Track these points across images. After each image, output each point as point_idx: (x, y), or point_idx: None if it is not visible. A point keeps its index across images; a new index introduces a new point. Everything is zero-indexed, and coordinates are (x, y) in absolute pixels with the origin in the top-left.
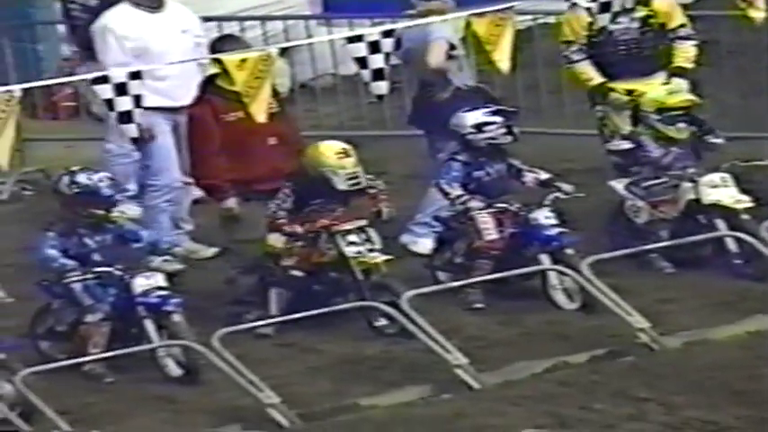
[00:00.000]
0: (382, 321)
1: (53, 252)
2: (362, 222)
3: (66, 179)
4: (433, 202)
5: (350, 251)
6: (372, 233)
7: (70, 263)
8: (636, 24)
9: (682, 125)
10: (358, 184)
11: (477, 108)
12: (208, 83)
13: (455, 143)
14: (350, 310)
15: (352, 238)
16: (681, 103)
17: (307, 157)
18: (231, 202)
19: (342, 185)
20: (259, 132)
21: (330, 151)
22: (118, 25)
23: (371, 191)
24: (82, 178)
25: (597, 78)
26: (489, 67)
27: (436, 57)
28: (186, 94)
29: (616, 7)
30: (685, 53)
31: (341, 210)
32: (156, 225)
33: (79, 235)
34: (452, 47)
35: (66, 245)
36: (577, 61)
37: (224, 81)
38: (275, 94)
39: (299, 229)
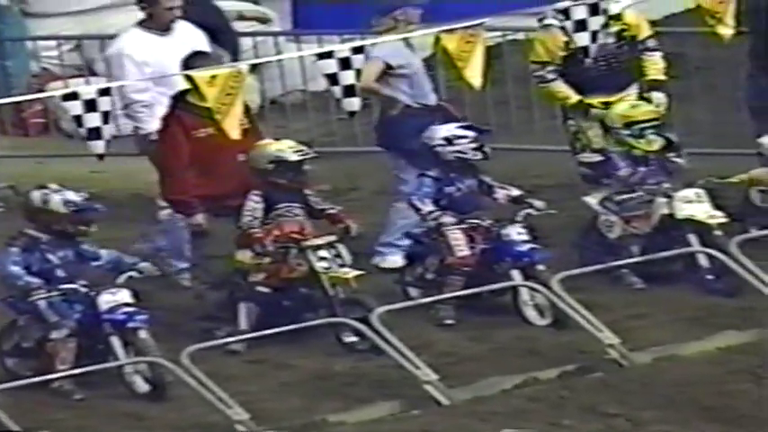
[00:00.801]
0: (352, 338)
1: (17, 269)
2: (332, 238)
3: (57, 198)
4: (396, 221)
5: (321, 266)
6: (342, 249)
7: (35, 280)
8: (611, 39)
9: (652, 137)
10: (306, 153)
11: (450, 122)
12: (178, 99)
13: (422, 159)
14: (320, 326)
15: (323, 253)
16: (646, 115)
17: (252, 159)
18: (200, 218)
19: (293, 157)
20: (229, 148)
21: (268, 141)
22: (135, 51)
23: (331, 211)
24: (72, 197)
25: (574, 96)
26: (461, 83)
27: (365, 76)
28: None
29: (593, 25)
30: (655, 65)
31: (304, 214)
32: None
33: (42, 251)
34: (390, 66)
35: (28, 260)
36: (552, 80)
37: (194, 97)
38: (246, 110)
39: (269, 245)
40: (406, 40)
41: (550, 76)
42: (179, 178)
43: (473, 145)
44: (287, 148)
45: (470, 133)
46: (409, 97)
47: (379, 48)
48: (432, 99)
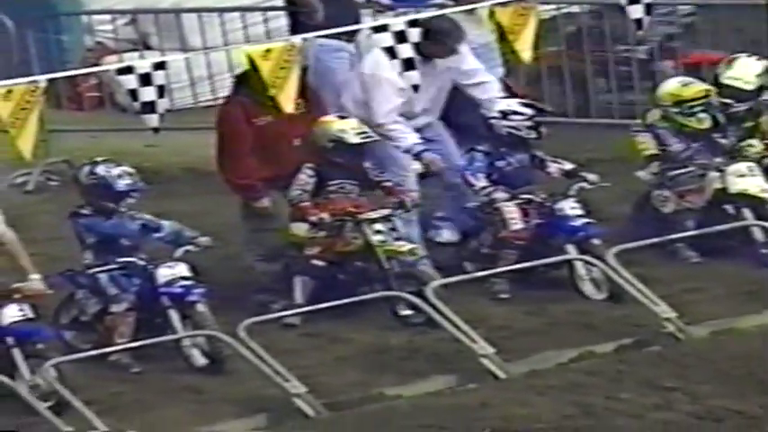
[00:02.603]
0: (407, 311)
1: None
2: (387, 211)
3: (86, 169)
4: (450, 195)
5: (376, 239)
6: (398, 222)
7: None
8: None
9: (702, 115)
10: (369, 136)
11: (511, 97)
12: (239, 83)
13: (474, 133)
14: (376, 300)
15: (379, 226)
16: (696, 94)
17: (315, 134)
18: (266, 201)
19: (354, 139)
20: (286, 135)
21: (331, 119)
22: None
23: (387, 183)
24: (100, 170)
25: (652, 149)
26: (512, 56)
27: None
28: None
29: None
30: None
31: (358, 190)
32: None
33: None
34: None
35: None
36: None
37: (253, 83)
38: (304, 91)
39: (325, 216)
40: (472, 13)
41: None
42: (243, 162)
43: (528, 123)
44: (349, 129)
45: (528, 111)
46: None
47: None
48: (498, 73)
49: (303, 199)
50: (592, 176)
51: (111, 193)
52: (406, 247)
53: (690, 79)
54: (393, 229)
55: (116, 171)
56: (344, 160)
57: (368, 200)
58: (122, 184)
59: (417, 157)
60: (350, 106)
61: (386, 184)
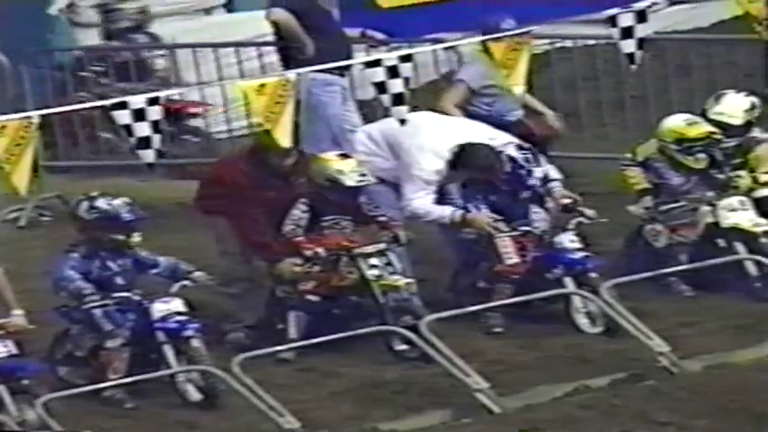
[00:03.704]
0: (402, 346)
1: (72, 273)
2: (383, 246)
3: (84, 204)
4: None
5: (371, 274)
6: (393, 256)
7: (86, 285)
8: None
9: (700, 155)
10: (366, 179)
11: (527, 137)
12: (254, 155)
13: None
14: (370, 335)
15: (374, 261)
16: (700, 134)
17: (312, 169)
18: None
19: (350, 182)
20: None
21: (330, 156)
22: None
23: (382, 218)
24: (101, 203)
25: (644, 184)
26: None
27: (446, 99)
28: None
29: (639, 32)
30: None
31: (352, 226)
32: None
33: (102, 258)
34: (473, 90)
35: (88, 267)
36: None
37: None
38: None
39: (320, 250)
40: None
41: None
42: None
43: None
44: (348, 171)
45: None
46: (489, 114)
47: (465, 70)
48: (514, 115)
49: (297, 233)
50: (589, 211)
51: (118, 225)
52: (402, 281)
53: (695, 118)
54: (388, 264)
55: (117, 202)
56: (340, 199)
57: (362, 234)
58: (128, 215)
59: (463, 221)
60: (361, 158)
61: (380, 218)
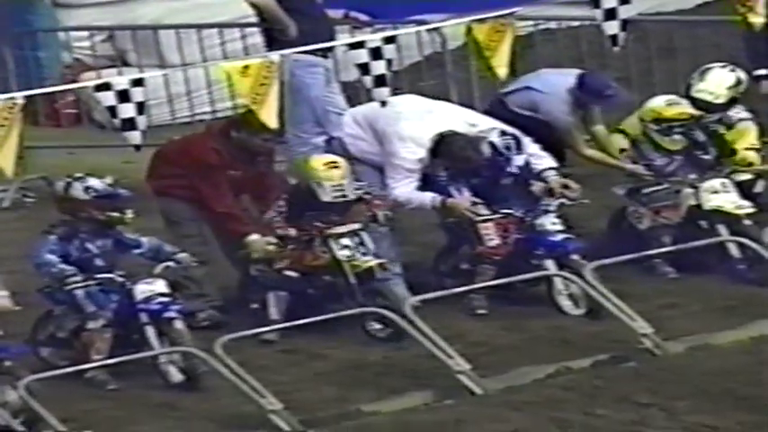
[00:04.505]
0: (375, 326)
1: (52, 257)
2: (356, 226)
3: (78, 185)
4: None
5: (342, 255)
6: (366, 237)
7: (68, 268)
8: None
9: (677, 137)
10: (343, 196)
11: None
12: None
13: None
14: (353, 316)
15: (345, 241)
16: (678, 115)
17: (297, 169)
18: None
19: (326, 197)
20: (248, 189)
21: (318, 163)
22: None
23: (366, 197)
24: (94, 183)
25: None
26: (488, 73)
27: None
28: None
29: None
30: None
31: (335, 218)
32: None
33: (81, 239)
34: None
35: (67, 249)
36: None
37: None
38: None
39: (291, 231)
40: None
41: None
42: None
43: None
44: (328, 184)
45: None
46: None
47: None
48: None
49: (277, 222)
50: (572, 194)
51: (117, 203)
52: (373, 262)
53: (676, 99)
54: (361, 244)
55: (108, 181)
56: (318, 205)
57: (344, 214)
58: (124, 191)
59: (443, 207)
60: (347, 140)
61: (365, 196)
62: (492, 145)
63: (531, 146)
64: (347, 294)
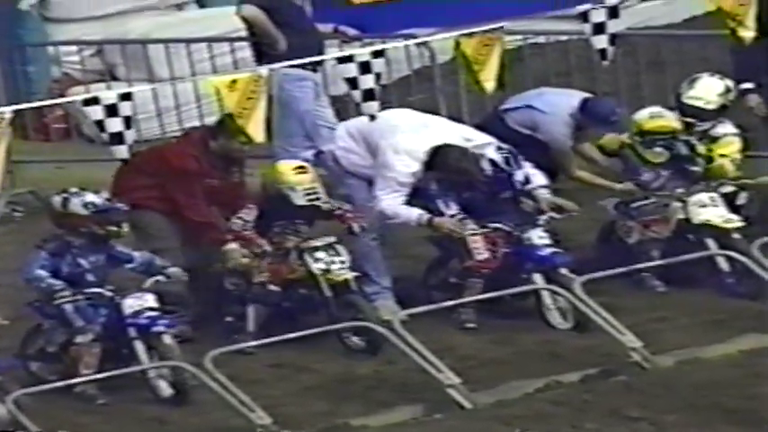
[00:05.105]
0: (353, 338)
1: (42, 272)
2: (331, 239)
3: (77, 200)
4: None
5: (317, 268)
6: (341, 249)
7: (58, 283)
8: None
9: (658, 149)
10: (317, 198)
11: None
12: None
13: None
14: (344, 330)
15: (320, 254)
16: (661, 128)
17: (265, 176)
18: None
19: (300, 200)
20: (222, 201)
21: (287, 168)
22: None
23: (337, 211)
24: (92, 198)
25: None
26: (477, 87)
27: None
28: None
29: (611, 28)
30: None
31: (306, 229)
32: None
33: (72, 255)
34: None
35: (58, 265)
36: None
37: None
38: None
39: (266, 246)
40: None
41: None
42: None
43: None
44: (299, 188)
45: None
46: None
47: None
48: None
49: (246, 228)
50: (563, 214)
51: (114, 217)
52: (347, 275)
53: (661, 112)
54: (336, 256)
55: (105, 195)
56: (289, 212)
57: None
58: (121, 205)
59: (429, 224)
60: (339, 153)
61: (336, 212)
62: (491, 161)
63: (524, 162)
64: (323, 307)
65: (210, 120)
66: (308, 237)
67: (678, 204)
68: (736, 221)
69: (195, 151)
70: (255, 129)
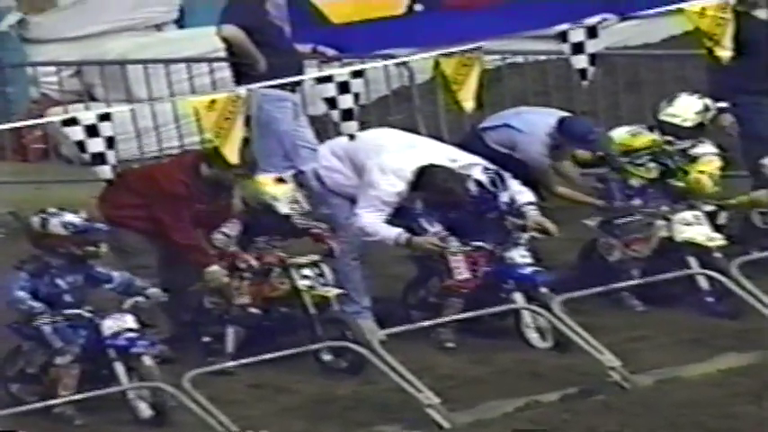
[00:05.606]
0: (329, 356)
1: (22, 294)
2: (316, 257)
3: (56, 221)
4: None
5: (303, 284)
6: (325, 268)
7: (38, 305)
8: None
9: (650, 164)
10: (301, 207)
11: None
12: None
13: None
14: (320, 349)
15: (306, 271)
16: (645, 144)
17: (246, 190)
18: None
19: (284, 209)
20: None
21: (267, 180)
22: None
23: (316, 231)
24: (71, 218)
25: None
26: (455, 106)
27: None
28: None
29: (590, 48)
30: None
31: (284, 245)
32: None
33: (51, 275)
34: None
35: (37, 285)
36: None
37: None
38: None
39: (253, 261)
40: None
41: None
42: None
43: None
44: (282, 197)
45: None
46: None
47: None
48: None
49: (229, 244)
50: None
51: (93, 237)
52: (333, 292)
53: (638, 129)
54: (321, 275)
55: (84, 216)
56: (272, 222)
57: (297, 244)
58: (101, 225)
59: (408, 245)
60: (323, 172)
61: (314, 231)
62: (477, 181)
63: (510, 180)
64: (306, 325)
65: (190, 140)
66: (294, 254)
67: (662, 222)
68: (718, 240)
69: (185, 177)
70: (231, 150)
